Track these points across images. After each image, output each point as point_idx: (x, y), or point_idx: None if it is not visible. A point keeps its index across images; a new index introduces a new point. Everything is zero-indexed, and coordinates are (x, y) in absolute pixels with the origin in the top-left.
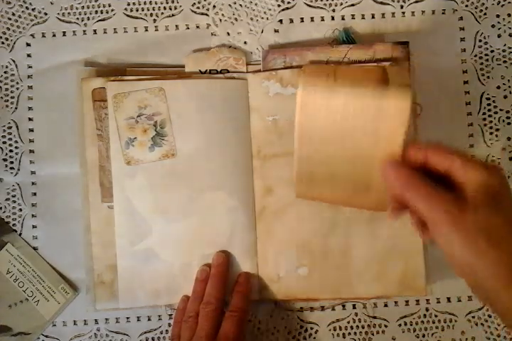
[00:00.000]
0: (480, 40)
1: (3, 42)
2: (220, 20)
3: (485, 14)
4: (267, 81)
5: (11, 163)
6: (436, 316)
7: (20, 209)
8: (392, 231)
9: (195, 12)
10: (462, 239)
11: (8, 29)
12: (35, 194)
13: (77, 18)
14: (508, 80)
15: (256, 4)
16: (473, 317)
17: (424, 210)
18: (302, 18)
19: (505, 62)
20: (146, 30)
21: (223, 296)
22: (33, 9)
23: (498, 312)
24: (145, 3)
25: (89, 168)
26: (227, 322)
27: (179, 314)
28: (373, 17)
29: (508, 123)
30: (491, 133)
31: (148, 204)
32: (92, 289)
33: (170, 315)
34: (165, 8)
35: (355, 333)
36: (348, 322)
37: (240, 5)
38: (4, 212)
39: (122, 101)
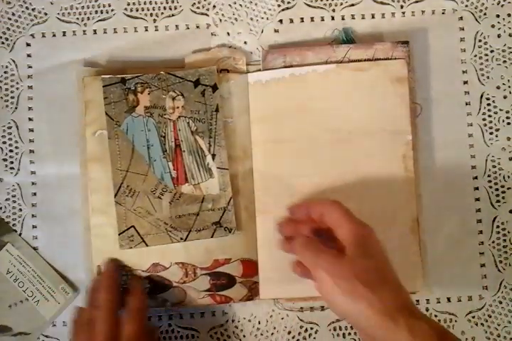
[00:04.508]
0: (480, 40)
1: (3, 42)
2: (220, 20)
3: (485, 14)
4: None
5: (11, 163)
6: (436, 316)
7: (20, 209)
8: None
9: (195, 12)
10: (342, 286)
11: (8, 29)
12: (35, 194)
13: (77, 18)
14: (508, 80)
15: (256, 4)
16: (473, 317)
17: (309, 263)
18: (302, 18)
19: (505, 62)
20: (146, 30)
21: (115, 298)
22: (33, 9)
23: None
24: (145, 3)
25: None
26: (126, 324)
27: (74, 326)
28: (373, 17)
29: (508, 123)
30: (491, 133)
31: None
32: None
33: (170, 315)
34: (165, 8)
35: (355, 333)
36: (348, 322)
37: (240, 5)
38: (4, 212)
39: None
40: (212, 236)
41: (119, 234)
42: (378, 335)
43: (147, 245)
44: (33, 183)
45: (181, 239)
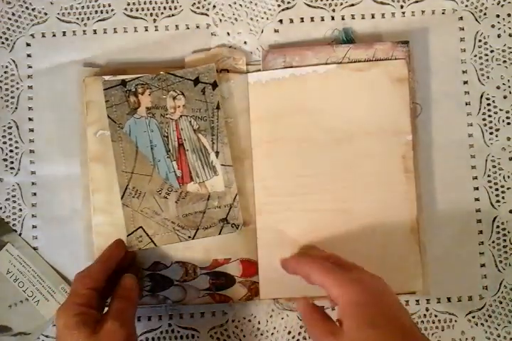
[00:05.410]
0: (480, 40)
1: (3, 42)
2: (220, 20)
3: (485, 14)
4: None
5: (11, 163)
6: (436, 316)
7: (20, 209)
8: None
9: (195, 12)
10: None
11: (8, 29)
12: (35, 194)
13: (77, 18)
14: (508, 80)
15: (256, 4)
16: (473, 317)
17: (310, 335)
18: (302, 18)
19: (505, 62)
20: (146, 30)
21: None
22: (33, 9)
23: None
24: (145, 3)
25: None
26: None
27: None
28: (373, 17)
29: (508, 123)
30: (491, 133)
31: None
32: None
33: (170, 314)
34: (165, 8)
35: None
36: None
37: (240, 5)
38: (4, 212)
39: None
40: (219, 233)
41: (128, 236)
42: None
43: (156, 245)
44: (33, 183)
45: (189, 237)
